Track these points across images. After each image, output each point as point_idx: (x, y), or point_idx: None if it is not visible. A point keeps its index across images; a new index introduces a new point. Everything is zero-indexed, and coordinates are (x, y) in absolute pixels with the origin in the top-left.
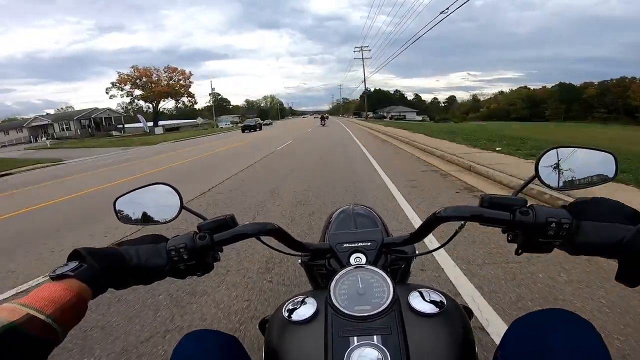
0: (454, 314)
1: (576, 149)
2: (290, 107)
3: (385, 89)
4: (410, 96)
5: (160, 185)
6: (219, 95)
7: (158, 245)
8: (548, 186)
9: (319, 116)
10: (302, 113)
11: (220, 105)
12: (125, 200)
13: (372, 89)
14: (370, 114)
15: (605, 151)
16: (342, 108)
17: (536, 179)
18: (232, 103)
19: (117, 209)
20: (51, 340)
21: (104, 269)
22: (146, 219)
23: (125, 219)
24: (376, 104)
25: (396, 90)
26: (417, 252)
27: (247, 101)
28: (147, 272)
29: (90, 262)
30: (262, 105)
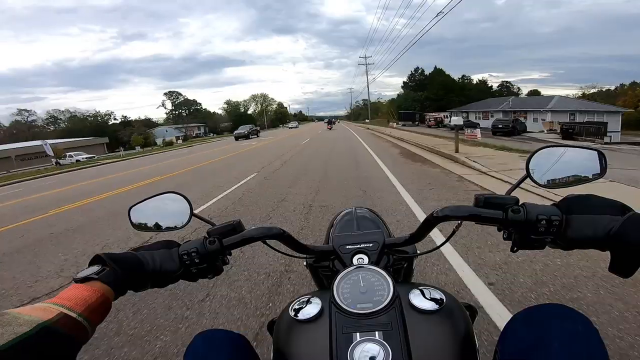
0: (454, 311)
1: (566, 148)
2: (300, 112)
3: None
4: None
5: (171, 194)
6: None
7: (171, 250)
8: (539, 185)
9: (326, 121)
10: (320, 118)
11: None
12: (138, 209)
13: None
14: (434, 118)
15: (593, 149)
16: (363, 112)
17: (527, 178)
18: (249, 111)
19: (131, 217)
20: (81, 337)
21: (125, 273)
22: (159, 226)
23: (139, 227)
24: (443, 97)
25: (464, 76)
26: (418, 251)
27: (228, 103)
28: (162, 275)
29: (112, 266)
30: (246, 110)
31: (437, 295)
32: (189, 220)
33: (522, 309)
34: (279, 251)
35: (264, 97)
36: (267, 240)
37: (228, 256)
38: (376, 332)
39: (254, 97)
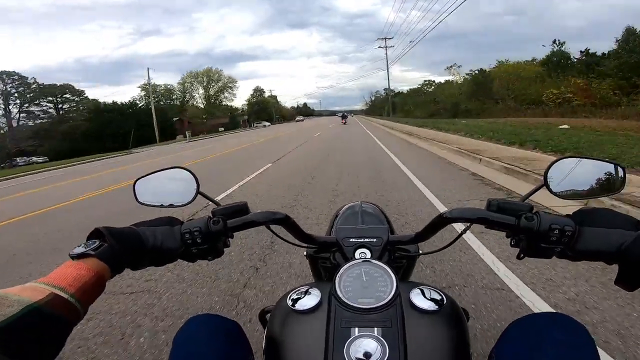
0: (452, 313)
1: (585, 159)
2: (305, 104)
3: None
4: None
5: (179, 169)
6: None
7: (173, 227)
8: (555, 194)
9: (340, 115)
10: (332, 112)
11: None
12: (144, 182)
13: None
14: None
15: (613, 162)
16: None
17: (544, 187)
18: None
19: (136, 189)
20: (73, 319)
21: (123, 249)
22: (163, 202)
23: (143, 200)
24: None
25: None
26: (420, 251)
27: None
28: (162, 253)
29: (110, 242)
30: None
31: (437, 296)
32: (194, 198)
33: (521, 316)
34: (281, 238)
35: (261, 91)
36: (271, 226)
37: (230, 239)
38: (375, 329)
39: (256, 91)
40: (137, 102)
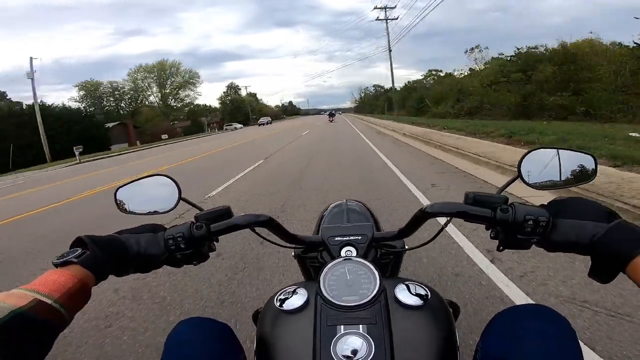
0: (437, 308)
1: (557, 150)
2: (290, 103)
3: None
4: None
5: (160, 176)
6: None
7: (157, 234)
8: (529, 185)
9: (327, 113)
10: (319, 111)
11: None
12: (125, 191)
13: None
14: None
15: (586, 152)
16: (379, 102)
17: (519, 178)
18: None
19: (117, 199)
20: (58, 324)
21: (106, 257)
22: (146, 209)
23: (125, 209)
24: None
25: None
26: (406, 247)
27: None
28: (146, 260)
29: (93, 250)
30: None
31: (423, 291)
32: (177, 204)
33: (504, 308)
34: (267, 240)
35: (234, 88)
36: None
37: (215, 242)
38: (360, 326)
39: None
40: (56, 104)
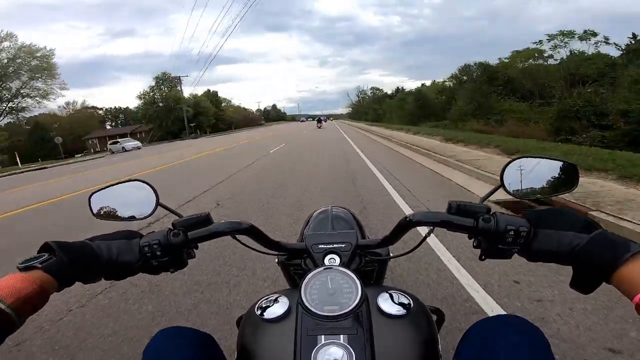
0: (420, 317)
1: (540, 159)
2: (274, 106)
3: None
4: None
5: (137, 182)
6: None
7: (131, 241)
8: (511, 194)
9: (316, 119)
10: (306, 117)
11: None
12: (100, 196)
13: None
14: None
15: (567, 162)
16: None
17: (501, 188)
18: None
19: (92, 204)
20: (7, 327)
21: (73, 263)
22: (122, 215)
23: (100, 215)
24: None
25: None
26: (390, 254)
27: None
28: (118, 267)
29: (59, 255)
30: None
31: (405, 300)
32: (154, 210)
33: (479, 320)
34: (249, 247)
35: (168, 80)
36: (237, 236)
37: (195, 249)
38: (341, 336)
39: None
40: None
